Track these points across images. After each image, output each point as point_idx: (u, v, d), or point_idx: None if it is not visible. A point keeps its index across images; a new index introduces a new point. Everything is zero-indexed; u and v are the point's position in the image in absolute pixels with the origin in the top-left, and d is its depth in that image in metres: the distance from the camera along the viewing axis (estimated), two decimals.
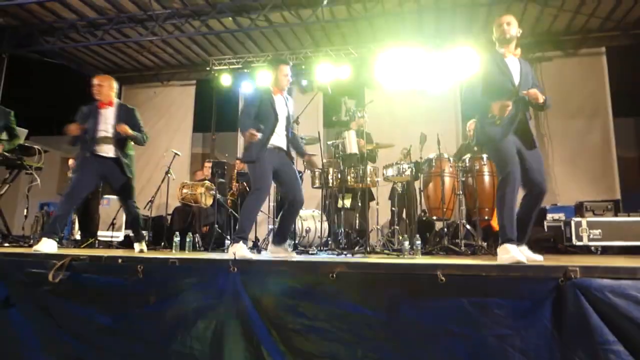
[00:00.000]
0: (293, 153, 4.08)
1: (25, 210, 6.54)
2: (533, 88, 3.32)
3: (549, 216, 7.62)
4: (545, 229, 7.35)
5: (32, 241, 6.51)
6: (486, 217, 5.41)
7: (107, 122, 4.36)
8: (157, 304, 2.58)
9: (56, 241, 3.78)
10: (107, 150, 4.31)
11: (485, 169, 5.36)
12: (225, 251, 5.81)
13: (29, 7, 8.18)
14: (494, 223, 5.61)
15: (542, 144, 8.90)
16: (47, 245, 3.57)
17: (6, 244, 5.31)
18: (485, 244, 5.17)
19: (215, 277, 2.47)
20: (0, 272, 2.83)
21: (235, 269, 2.43)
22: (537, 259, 3.18)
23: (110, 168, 4.33)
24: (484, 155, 5.32)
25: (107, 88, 4.39)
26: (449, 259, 3.79)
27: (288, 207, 3.89)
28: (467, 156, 5.47)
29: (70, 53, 10.15)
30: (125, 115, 4.44)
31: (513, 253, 2.60)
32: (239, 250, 3.18)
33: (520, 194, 3.28)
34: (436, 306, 2.19)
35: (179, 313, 2.53)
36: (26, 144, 6.15)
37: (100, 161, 4.29)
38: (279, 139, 3.84)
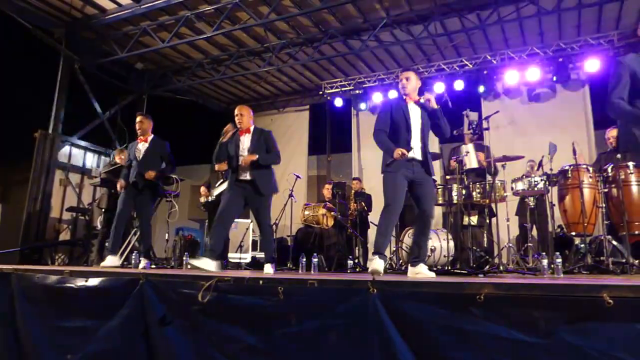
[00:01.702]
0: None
1: (166, 235, 7.16)
2: None
3: None
4: None
5: (172, 263, 7.12)
6: (636, 232, 4.83)
7: (244, 147, 4.70)
8: (297, 325, 2.63)
9: (219, 261, 4.36)
10: (246, 174, 4.60)
11: (633, 178, 4.80)
12: (349, 271, 5.85)
13: (163, 51, 9.11)
14: None
15: None
16: (209, 264, 4.09)
17: (153, 266, 5.83)
18: (637, 261, 4.60)
19: (355, 297, 2.46)
20: (158, 292, 3.09)
21: (375, 290, 2.40)
22: None
23: (249, 190, 4.61)
24: (631, 164, 4.79)
25: (247, 117, 4.77)
26: (600, 278, 3.43)
27: (417, 222, 3.83)
28: (610, 165, 4.95)
29: (197, 89, 11.10)
30: (259, 139, 4.75)
31: None
32: (373, 264, 3.38)
33: None
34: (602, 332, 1.96)
35: (319, 334, 2.55)
36: (166, 174, 6.78)
37: (242, 185, 4.62)
38: (413, 151, 3.79)
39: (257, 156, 4.56)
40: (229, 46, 9.23)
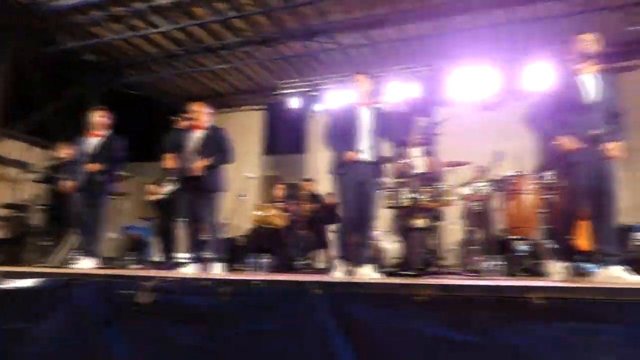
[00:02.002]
0: None
1: (112, 234, 6.93)
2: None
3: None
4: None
5: (118, 262, 6.90)
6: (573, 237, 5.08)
7: (194, 146, 4.66)
8: (242, 325, 2.61)
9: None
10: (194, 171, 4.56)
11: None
12: (299, 272, 5.86)
13: (115, 43, 8.81)
14: (580, 242, 5.26)
15: (628, 157, 8.29)
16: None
17: (97, 265, 5.62)
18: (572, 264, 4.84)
19: (300, 298, 2.47)
20: (97, 293, 2.98)
21: (321, 291, 2.42)
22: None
23: (197, 187, 4.56)
24: None
25: (203, 115, 4.77)
26: (535, 280, 3.58)
27: (359, 224, 3.87)
28: (550, 173, 5.19)
29: (151, 84, 10.80)
30: (212, 137, 4.71)
31: (627, 275, 2.46)
32: (335, 270, 3.44)
33: None
34: (532, 331, 2.06)
35: (264, 335, 2.54)
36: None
37: (191, 182, 4.58)
38: (362, 153, 3.84)
39: (207, 162, 4.52)
40: (184, 41, 9.03)
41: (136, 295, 2.85)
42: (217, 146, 4.66)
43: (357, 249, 3.90)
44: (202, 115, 4.74)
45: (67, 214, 5.44)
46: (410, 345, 2.23)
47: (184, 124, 4.76)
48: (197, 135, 4.69)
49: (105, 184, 5.34)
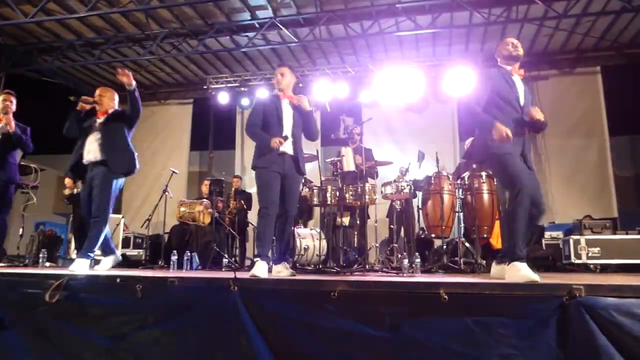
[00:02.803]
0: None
1: (20, 230, 6.47)
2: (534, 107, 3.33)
3: (547, 234, 7.62)
4: (544, 247, 7.34)
5: (27, 261, 6.44)
6: (485, 235, 5.40)
7: (97, 135, 4.40)
8: (156, 325, 2.53)
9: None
10: (95, 155, 4.34)
11: (485, 187, 5.37)
12: (223, 270, 5.76)
13: (27, 26, 8.23)
14: (493, 241, 5.60)
15: (539, 162, 8.97)
16: None
17: (1, 264, 5.23)
18: (484, 262, 5.14)
19: (215, 296, 2.43)
20: None
21: (236, 288, 2.39)
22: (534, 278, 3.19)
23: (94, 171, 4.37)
24: (483, 173, 5.34)
25: (107, 99, 4.49)
26: (449, 277, 3.76)
27: (278, 220, 3.77)
28: (466, 174, 5.47)
29: (68, 72, 10.19)
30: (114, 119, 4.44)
31: (525, 271, 2.58)
32: (255, 268, 3.14)
33: None
34: (439, 325, 2.16)
35: (178, 333, 2.48)
36: (22, 163, 6.11)
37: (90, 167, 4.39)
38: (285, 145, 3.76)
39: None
40: (105, 29, 8.60)
41: (43, 295, 2.69)
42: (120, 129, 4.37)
43: (275, 245, 3.88)
44: (105, 99, 4.43)
45: None
46: (324, 341, 2.27)
47: (84, 106, 4.38)
48: (100, 121, 4.38)
49: (10, 174, 5.00)
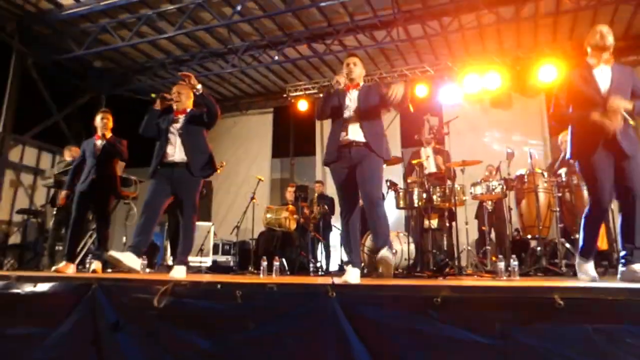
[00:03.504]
0: None
1: (124, 238, 6.95)
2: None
3: None
4: None
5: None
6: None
7: (178, 128, 4.21)
8: (255, 329, 2.58)
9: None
10: (174, 155, 4.15)
11: (584, 183, 4.98)
12: (311, 274, 5.82)
13: (124, 49, 8.86)
14: (599, 242, 5.18)
15: None
16: (132, 261, 3.71)
17: (109, 270, 5.64)
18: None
19: (313, 302, 2.44)
20: (110, 297, 2.97)
21: (334, 294, 2.38)
22: None
23: (177, 174, 4.15)
24: None
25: (185, 97, 4.27)
26: (552, 280, 3.52)
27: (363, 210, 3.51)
28: (563, 170, 5.12)
29: (159, 90, 10.84)
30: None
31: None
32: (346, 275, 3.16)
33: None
34: (554, 333, 2.01)
35: (277, 338, 2.51)
36: (123, 176, 6.56)
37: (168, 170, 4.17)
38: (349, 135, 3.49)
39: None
40: (191, 46, 9.07)
41: (151, 299, 2.84)
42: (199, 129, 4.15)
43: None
44: (184, 97, 4.19)
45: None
46: (428, 348, 2.19)
47: (164, 104, 4.21)
48: (180, 120, 4.16)
49: (114, 187, 5.29)
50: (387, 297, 2.32)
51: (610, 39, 3.24)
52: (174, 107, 4.23)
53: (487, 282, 3.07)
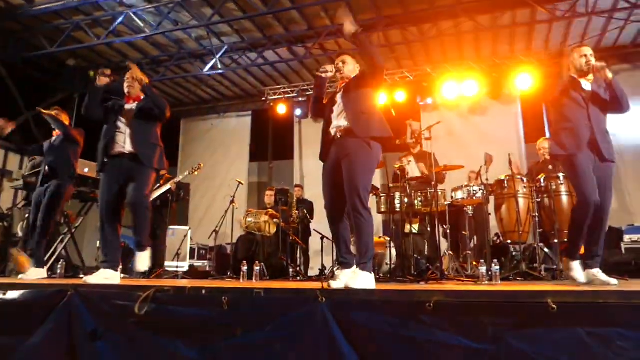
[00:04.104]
0: None
1: (98, 242, 6.74)
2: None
3: (627, 237, 7.11)
4: (623, 252, 6.86)
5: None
6: (565, 240, 5.09)
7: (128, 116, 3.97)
8: (243, 336, 2.51)
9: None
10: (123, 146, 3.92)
11: (563, 189, 5.08)
12: (290, 279, 5.75)
13: (98, 48, 8.64)
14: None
15: None
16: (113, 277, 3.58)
17: (81, 276, 5.45)
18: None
19: (302, 307, 2.38)
20: (88, 304, 2.85)
21: (324, 299, 2.33)
22: (612, 282, 3.16)
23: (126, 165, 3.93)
24: (561, 175, 5.05)
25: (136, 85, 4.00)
26: (531, 285, 3.56)
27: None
28: (542, 176, 5.20)
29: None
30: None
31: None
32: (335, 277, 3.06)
33: None
34: (548, 337, 2.00)
35: (266, 345, 2.45)
36: (98, 177, 6.37)
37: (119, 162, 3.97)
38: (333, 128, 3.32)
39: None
40: (169, 47, 8.91)
41: (132, 306, 2.74)
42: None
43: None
44: (137, 85, 3.92)
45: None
46: (420, 353, 2.16)
47: (102, 80, 3.89)
48: (131, 108, 3.91)
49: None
50: (379, 302, 2.28)
51: (593, 62, 3.37)
52: (126, 91, 3.99)
53: (480, 287, 3.07)
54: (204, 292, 2.66)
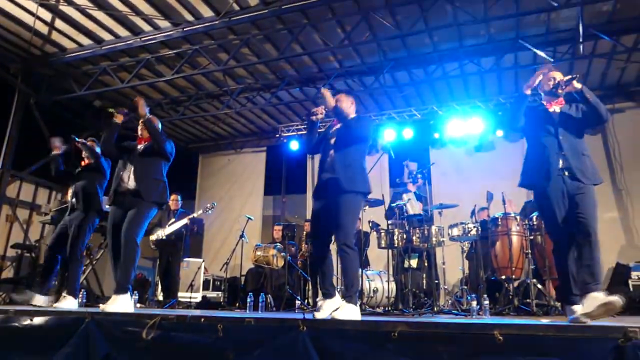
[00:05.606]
0: None
1: None
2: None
3: (634, 274, 7.20)
4: (631, 289, 6.94)
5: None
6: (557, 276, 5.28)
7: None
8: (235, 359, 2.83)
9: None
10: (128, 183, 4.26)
11: None
12: (296, 311, 6.02)
13: (123, 90, 9.26)
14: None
15: (620, 198, 8.57)
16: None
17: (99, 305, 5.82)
18: (560, 304, 5.02)
19: (286, 335, 2.69)
20: (103, 330, 3.21)
21: (305, 328, 2.64)
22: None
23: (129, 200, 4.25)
24: None
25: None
26: (515, 318, 3.78)
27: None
28: (534, 214, 5.43)
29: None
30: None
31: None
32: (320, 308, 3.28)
33: None
34: None
35: None
36: None
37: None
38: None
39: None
40: (188, 88, 9.50)
41: (140, 332, 3.08)
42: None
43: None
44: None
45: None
46: None
47: (118, 117, 4.25)
48: (140, 147, 4.26)
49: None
50: (352, 332, 2.57)
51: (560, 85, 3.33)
52: (139, 133, 4.32)
53: (450, 319, 3.32)
54: (202, 320, 2.99)
